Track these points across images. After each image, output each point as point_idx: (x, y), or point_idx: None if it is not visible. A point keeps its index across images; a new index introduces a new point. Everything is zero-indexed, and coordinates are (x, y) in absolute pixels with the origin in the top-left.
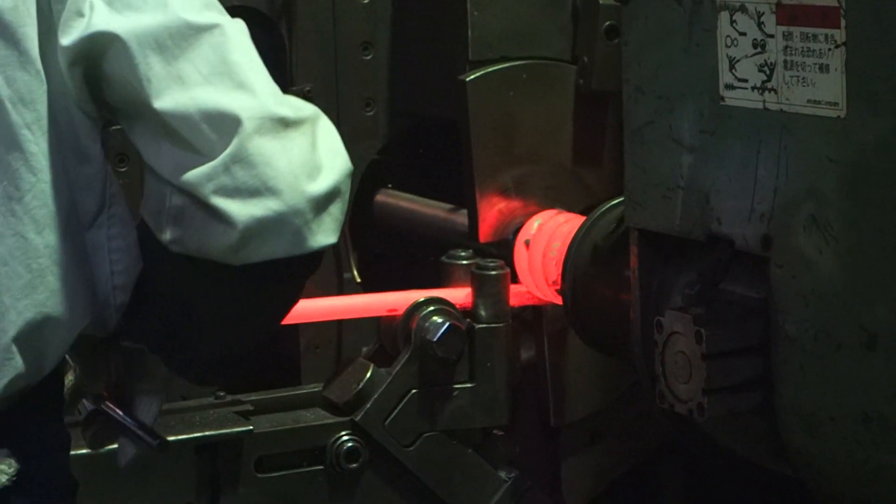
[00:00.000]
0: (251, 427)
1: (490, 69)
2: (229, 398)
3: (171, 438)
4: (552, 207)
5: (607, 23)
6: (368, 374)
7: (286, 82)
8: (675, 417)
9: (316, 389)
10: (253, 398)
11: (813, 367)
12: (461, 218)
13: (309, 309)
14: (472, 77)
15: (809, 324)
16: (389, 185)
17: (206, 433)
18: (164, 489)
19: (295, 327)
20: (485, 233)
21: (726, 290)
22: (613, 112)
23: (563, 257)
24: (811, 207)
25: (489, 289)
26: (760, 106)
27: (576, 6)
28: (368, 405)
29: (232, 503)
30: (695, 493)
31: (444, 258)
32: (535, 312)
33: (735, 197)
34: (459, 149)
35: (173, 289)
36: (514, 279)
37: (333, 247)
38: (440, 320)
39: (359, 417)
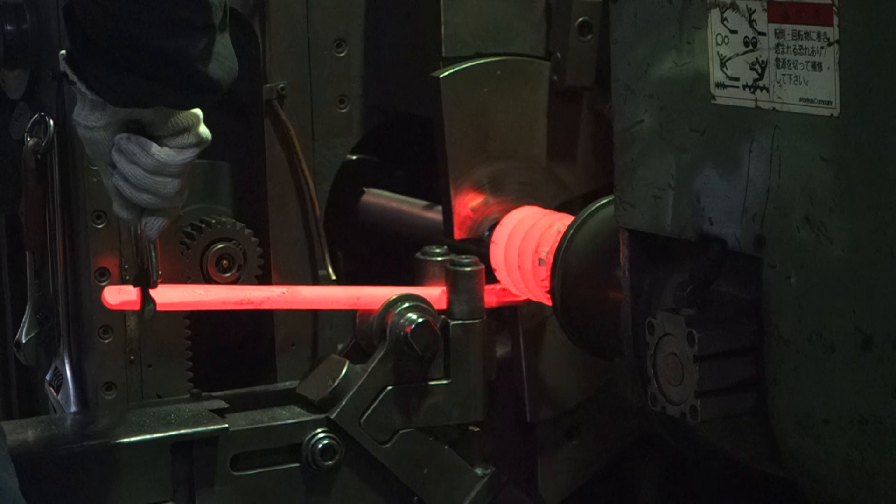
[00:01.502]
0: (227, 425)
1: (464, 66)
2: (205, 395)
3: (146, 437)
4: (527, 204)
5: (580, 19)
6: (343, 372)
7: (260, 80)
8: (667, 420)
9: (291, 387)
10: (229, 396)
11: (807, 368)
12: (436, 215)
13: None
14: (446, 74)
15: (803, 325)
16: (363, 184)
17: (182, 431)
18: (139, 487)
19: (271, 324)
20: (459, 229)
21: (718, 291)
22: (587, 108)
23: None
24: (804, 207)
25: (464, 285)
26: (752, 105)
27: (549, 2)
28: (344, 402)
29: (208, 501)
30: (671, 488)
31: (418, 255)
32: (511, 309)
33: (727, 197)
34: (434, 145)
35: None
36: (490, 277)
37: (308, 242)
38: (415, 317)
39: (334, 415)
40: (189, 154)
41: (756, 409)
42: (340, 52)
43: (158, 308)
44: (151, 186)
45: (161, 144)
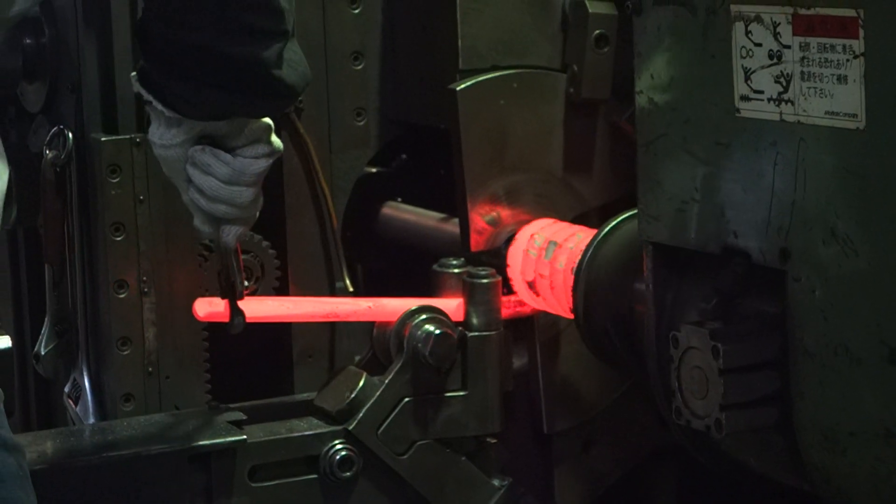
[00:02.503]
0: (244, 436)
1: (480, 78)
2: (222, 407)
3: (164, 449)
4: (544, 216)
5: (596, 31)
6: (361, 383)
7: None
8: (691, 433)
9: (309, 398)
10: (246, 407)
11: (832, 382)
12: (454, 227)
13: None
14: (463, 86)
15: (828, 338)
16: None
17: (200, 443)
18: (157, 499)
19: (288, 336)
20: (476, 242)
21: (743, 305)
22: (603, 120)
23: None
24: (830, 220)
25: (480, 297)
26: (777, 118)
27: (565, 15)
28: (361, 414)
29: None
30: (687, 500)
31: (435, 267)
32: (528, 320)
33: (751, 210)
34: (451, 158)
35: None
36: (507, 288)
37: (325, 254)
38: (432, 329)
39: (352, 426)
40: (263, 163)
41: (781, 422)
42: (357, 65)
43: (247, 320)
44: (227, 196)
45: (235, 155)
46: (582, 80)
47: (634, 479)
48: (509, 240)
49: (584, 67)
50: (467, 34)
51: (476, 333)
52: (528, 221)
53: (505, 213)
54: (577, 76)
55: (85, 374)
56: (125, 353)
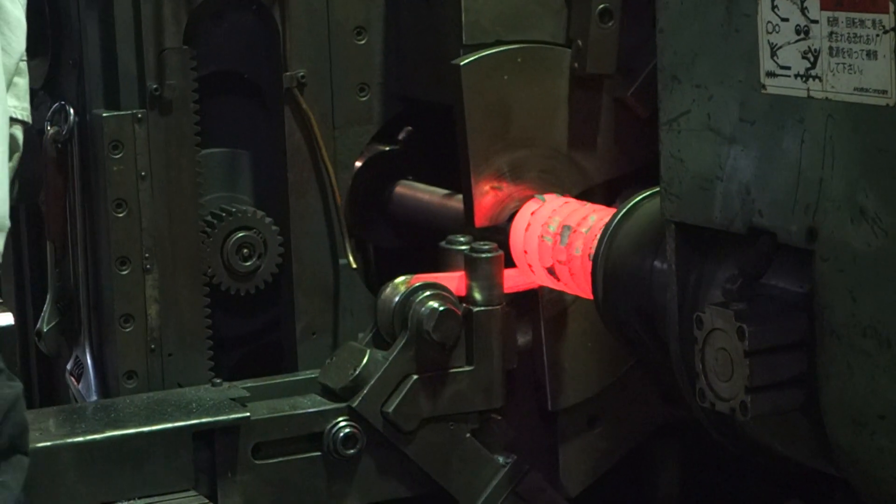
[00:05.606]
0: (248, 414)
1: (484, 53)
2: (226, 385)
3: (167, 426)
4: (548, 191)
5: (601, 6)
6: (365, 360)
7: (280, 68)
8: (714, 416)
9: (313, 376)
10: (250, 385)
11: (861, 363)
12: (459, 204)
13: None
14: (467, 61)
15: (857, 319)
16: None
17: (204, 420)
18: (161, 476)
19: (292, 313)
20: (480, 217)
21: (768, 285)
22: (608, 95)
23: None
24: (859, 199)
25: (483, 272)
26: (804, 94)
27: None
28: (365, 391)
29: (229, 489)
30: (691, 476)
31: (442, 244)
32: (532, 297)
33: (778, 188)
34: (454, 133)
35: None
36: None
37: (328, 231)
38: (436, 305)
39: (356, 403)
40: None
41: (807, 404)
42: (360, 40)
43: None
44: None
45: None
46: (586, 55)
47: (639, 456)
48: (513, 215)
49: (588, 42)
50: (471, 8)
51: (480, 308)
52: (532, 197)
53: (509, 188)
54: (582, 51)
55: (87, 351)
56: (127, 330)
